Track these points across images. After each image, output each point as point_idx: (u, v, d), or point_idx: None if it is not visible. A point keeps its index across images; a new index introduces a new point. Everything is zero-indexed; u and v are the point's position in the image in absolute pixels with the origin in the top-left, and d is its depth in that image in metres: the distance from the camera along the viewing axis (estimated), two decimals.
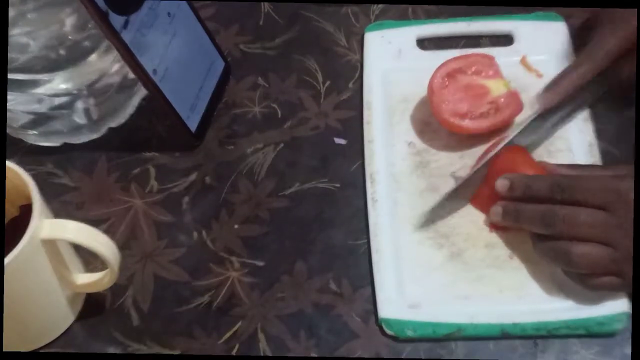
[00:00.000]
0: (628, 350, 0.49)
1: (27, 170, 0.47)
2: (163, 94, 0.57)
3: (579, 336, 0.50)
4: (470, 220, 0.55)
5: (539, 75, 0.62)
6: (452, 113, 0.58)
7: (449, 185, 0.57)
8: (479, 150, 0.58)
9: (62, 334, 0.52)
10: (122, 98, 0.60)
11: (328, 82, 0.64)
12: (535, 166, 0.54)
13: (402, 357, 0.50)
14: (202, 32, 0.61)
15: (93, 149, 0.61)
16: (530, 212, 0.51)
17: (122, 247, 0.55)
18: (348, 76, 0.64)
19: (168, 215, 0.58)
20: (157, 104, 0.57)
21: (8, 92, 0.55)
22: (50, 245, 0.47)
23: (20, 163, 0.47)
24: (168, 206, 0.58)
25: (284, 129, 0.62)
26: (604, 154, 0.58)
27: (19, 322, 0.49)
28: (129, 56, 0.53)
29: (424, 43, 0.65)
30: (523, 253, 0.53)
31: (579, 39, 0.61)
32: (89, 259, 0.55)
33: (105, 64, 0.58)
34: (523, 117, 0.58)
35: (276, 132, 0.62)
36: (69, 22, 0.55)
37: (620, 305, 0.50)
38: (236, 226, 0.57)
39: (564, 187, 0.50)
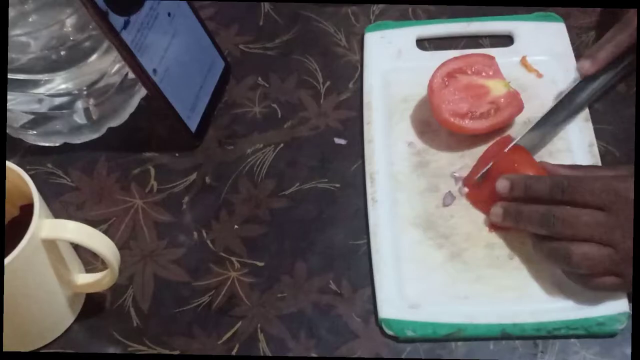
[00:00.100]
0: (628, 350, 0.49)
1: (27, 170, 0.47)
2: (163, 94, 0.57)
3: (579, 336, 0.50)
4: (470, 220, 0.55)
5: (539, 76, 0.62)
6: (452, 113, 0.58)
7: (449, 185, 0.57)
8: (479, 150, 0.58)
9: (62, 334, 0.52)
10: (122, 98, 0.60)
11: (328, 82, 0.64)
12: (536, 166, 0.54)
13: (402, 357, 0.50)
14: (202, 32, 0.61)
15: (93, 149, 0.61)
16: (530, 213, 0.51)
17: (122, 247, 0.55)
18: (348, 76, 0.64)
19: (168, 215, 0.58)
20: (157, 104, 0.57)
21: (8, 92, 0.55)
22: (50, 245, 0.47)
23: (20, 163, 0.47)
24: (168, 206, 0.58)
25: (284, 129, 0.62)
26: (604, 154, 0.58)
27: (19, 322, 0.49)
28: (129, 56, 0.53)
29: (424, 43, 0.65)
30: (523, 253, 0.53)
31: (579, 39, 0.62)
32: (89, 259, 0.55)
33: (105, 65, 0.58)
34: (562, 87, 0.60)
35: (276, 132, 0.62)
36: (70, 22, 0.55)
37: (620, 306, 0.50)
38: (236, 226, 0.57)
39: (564, 187, 0.50)
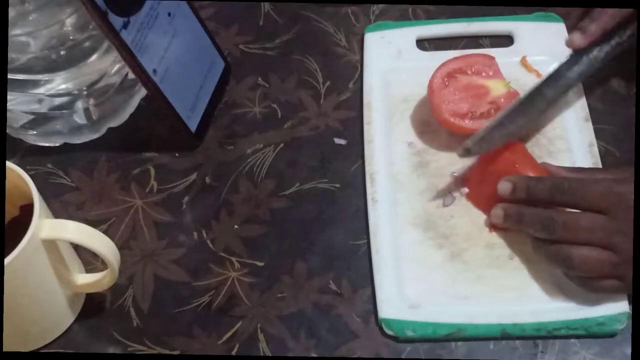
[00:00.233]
0: (628, 350, 0.49)
1: (27, 170, 0.47)
2: (163, 94, 0.57)
3: (579, 336, 0.50)
4: (470, 220, 0.55)
5: (539, 76, 0.62)
6: (452, 113, 0.58)
7: (449, 185, 0.57)
8: (483, 131, 0.57)
9: (62, 334, 0.52)
10: (122, 98, 0.60)
11: (328, 82, 0.64)
12: (537, 167, 0.54)
13: (402, 357, 0.50)
14: (202, 32, 0.61)
15: (93, 149, 0.61)
16: (531, 216, 0.51)
17: (122, 247, 0.55)
18: (348, 76, 0.64)
19: (168, 215, 0.58)
20: (157, 104, 0.57)
21: (8, 92, 0.55)
22: (51, 245, 0.47)
23: (20, 163, 0.47)
24: (168, 206, 0.58)
25: (284, 129, 0.62)
26: (604, 154, 0.58)
27: (19, 322, 0.49)
28: (129, 56, 0.53)
29: (424, 43, 0.65)
30: (523, 253, 0.53)
31: None
32: (89, 259, 0.55)
33: (105, 65, 0.58)
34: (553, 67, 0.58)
35: (276, 132, 0.62)
36: (70, 22, 0.55)
37: (620, 306, 0.50)
38: (236, 226, 0.57)
39: (564, 190, 0.50)
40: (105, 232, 0.51)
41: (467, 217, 0.56)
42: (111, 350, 0.52)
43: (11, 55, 0.54)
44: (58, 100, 0.57)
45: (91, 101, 0.58)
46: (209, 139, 0.62)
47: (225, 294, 0.54)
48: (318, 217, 0.57)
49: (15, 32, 0.54)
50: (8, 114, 0.57)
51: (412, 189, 0.57)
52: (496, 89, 0.58)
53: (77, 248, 0.53)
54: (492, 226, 0.55)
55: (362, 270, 0.54)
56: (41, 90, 0.56)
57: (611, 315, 0.50)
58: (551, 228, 0.49)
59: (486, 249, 0.54)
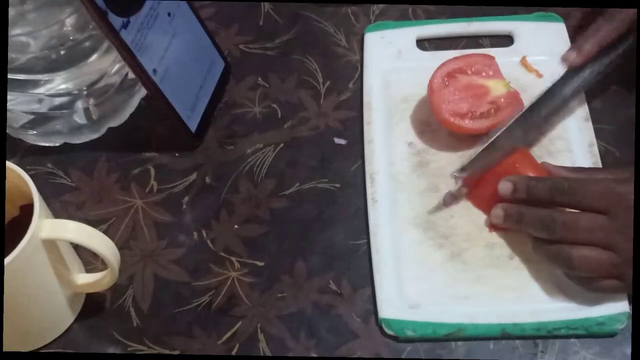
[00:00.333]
0: (628, 350, 0.49)
1: (27, 170, 0.47)
2: (163, 94, 0.57)
3: (579, 336, 0.50)
4: (470, 220, 0.55)
5: (539, 76, 0.62)
6: (452, 113, 0.58)
7: (449, 185, 0.57)
8: (479, 150, 0.58)
9: (62, 334, 0.52)
10: (122, 98, 0.60)
11: (328, 82, 0.64)
12: (537, 167, 0.54)
13: (402, 357, 0.50)
14: (202, 32, 0.61)
15: (93, 149, 0.61)
16: (531, 216, 0.51)
17: (122, 247, 0.55)
18: (348, 76, 0.64)
19: (168, 215, 0.58)
20: (157, 104, 0.57)
21: (8, 92, 0.55)
22: (51, 245, 0.47)
23: (20, 163, 0.47)
24: (168, 206, 0.58)
25: (284, 129, 0.62)
26: (604, 154, 0.58)
27: (19, 322, 0.49)
28: (129, 56, 0.53)
29: (424, 43, 0.65)
30: (523, 253, 0.53)
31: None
32: (89, 259, 0.55)
33: (105, 65, 0.58)
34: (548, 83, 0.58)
35: (276, 132, 0.62)
36: (70, 22, 0.55)
37: (620, 306, 0.50)
38: (236, 226, 0.57)
39: (564, 190, 0.50)
40: (105, 232, 0.51)
41: (467, 217, 0.56)
42: (111, 350, 0.52)
43: (11, 55, 0.54)
44: (58, 100, 0.57)
45: (91, 101, 0.58)
46: (209, 139, 0.62)
47: (225, 294, 0.54)
48: (318, 217, 0.57)
49: (15, 32, 0.54)
50: (8, 114, 0.57)
51: (412, 189, 0.57)
52: (496, 88, 0.58)
53: (77, 248, 0.53)
54: (492, 226, 0.55)
55: (362, 270, 0.54)
56: (41, 90, 0.56)
57: (611, 315, 0.50)
58: (551, 228, 0.49)
59: (486, 249, 0.54)
